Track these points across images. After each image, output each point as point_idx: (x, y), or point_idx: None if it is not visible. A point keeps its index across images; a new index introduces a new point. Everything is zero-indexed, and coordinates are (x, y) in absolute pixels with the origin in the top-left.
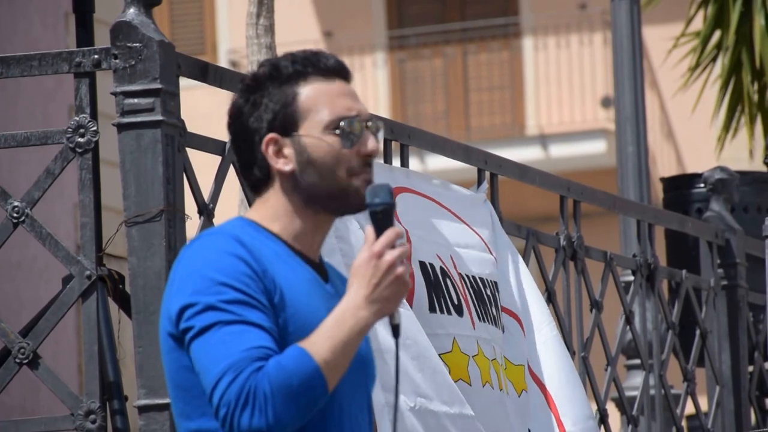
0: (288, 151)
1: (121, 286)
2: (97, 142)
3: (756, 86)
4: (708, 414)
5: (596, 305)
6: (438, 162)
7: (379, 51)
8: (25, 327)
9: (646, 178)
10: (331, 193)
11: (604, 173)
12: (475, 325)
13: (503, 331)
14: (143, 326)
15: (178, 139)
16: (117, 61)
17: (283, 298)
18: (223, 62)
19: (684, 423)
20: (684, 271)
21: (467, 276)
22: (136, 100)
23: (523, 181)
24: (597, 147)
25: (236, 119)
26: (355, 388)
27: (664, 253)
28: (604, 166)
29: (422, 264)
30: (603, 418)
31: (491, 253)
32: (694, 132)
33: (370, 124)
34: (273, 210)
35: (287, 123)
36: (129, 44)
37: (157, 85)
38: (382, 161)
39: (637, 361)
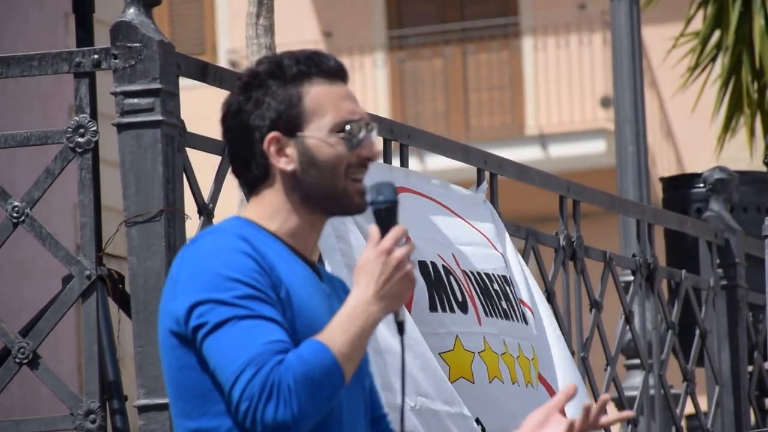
0: (291, 150)
1: (120, 286)
2: (97, 142)
3: (756, 86)
4: (707, 414)
5: (596, 305)
6: (438, 162)
7: (378, 51)
8: (25, 327)
9: (645, 178)
10: (330, 194)
11: (604, 173)
12: (482, 320)
13: (525, 322)
14: (143, 326)
15: (177, 139)
16: (117, 61)
17: (288, 295)
18: (223, 62)
19: (683, 423)
20: (683, 271)
21: (471, 273)
22: (135, 100)
23: (522, 181)
24: (596, 147)
25: (235, 116)
26: (351, 383)
27: (664, 253)
28: (604, 166)
29: (422, 264)
30: None
31: (496, 249)
32: (693, 132)
33: (370, 127)
34: (270, 208)
35: (291, 123)
36: (129, 44)
37: (156, 85)
38: (381, 161)
39: (637, 361)
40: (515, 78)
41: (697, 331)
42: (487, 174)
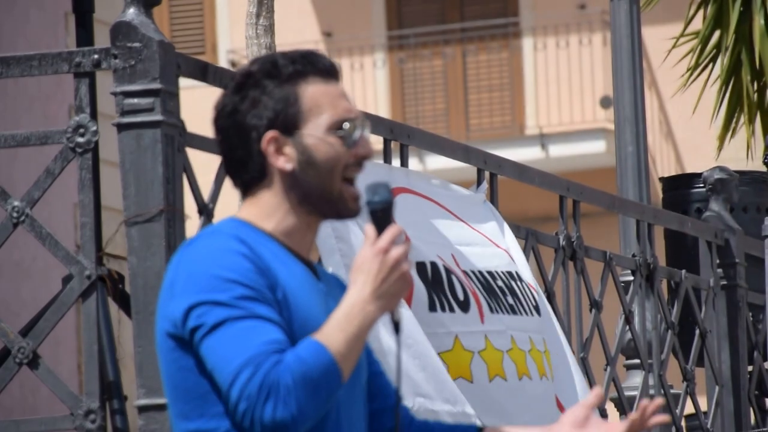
0: (289, 150)
1: (120, 286)
2: (97, 142)
3: (756, 86)
4: (707, 414)
5: (596, 305)
6: (437, 162)
7: (378, 51)
8: (25, 327)
9: (645, 178)
10: (326, 196)
11: (604, 173)
12: (485, 318)
13: (537, 313)
14: (143, 326)
15: (177, 139)
16: (117, 61)
17: (285, 296)
18: (223, 62)
19: (683, 423)
20: (683, 271)
21: (473, 272)
22: (135, 100)
23: (522, 181)
24: (596, 147)
25: (230, 116)
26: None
27: (664, 252)
28: (604, 165)
29: (420, 264)
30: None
31: (499, 246)
32: (693, 132)
33: (364, 125)
34: (267, 208)
35: (289, 122)
36: (129, 44)
37: (156, 85)
38: (382, 161)
39: (637, 361)
40: (515, 78)
41: (697, 331)
42: (487, 174)
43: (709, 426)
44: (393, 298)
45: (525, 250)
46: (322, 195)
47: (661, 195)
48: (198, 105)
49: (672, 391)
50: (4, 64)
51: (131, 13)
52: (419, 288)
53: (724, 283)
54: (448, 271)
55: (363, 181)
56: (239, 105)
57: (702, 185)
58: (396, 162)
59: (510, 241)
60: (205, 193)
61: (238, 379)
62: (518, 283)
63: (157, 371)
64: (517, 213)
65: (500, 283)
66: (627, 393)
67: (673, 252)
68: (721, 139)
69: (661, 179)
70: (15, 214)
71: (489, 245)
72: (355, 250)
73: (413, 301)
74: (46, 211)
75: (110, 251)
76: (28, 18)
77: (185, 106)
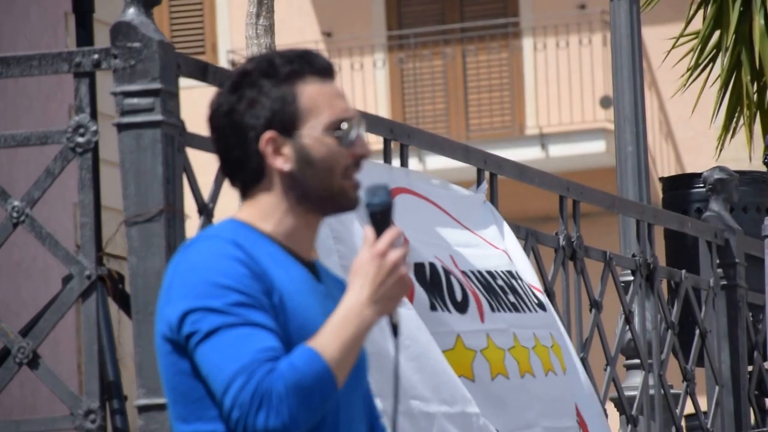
0: (287, 150)
1: (120, 286)
2: (97, 142)
3: (756, 86)
4: (707, 414)
5: (596, 305)
6: (437, 162)
7: (378, 51)
8: (25, 327)
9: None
10: (327, 193)
11: (604, 173)
12: (485, 318)
13: (541, 309)
14: (143, 326)
15: (178, 139)
16: (117, 61)
17: (282, 299)
18: (223, 62)
19: (683, 423)
20: (683, 271)
21: (472, 272)
22: (135, 100)
23: (522, 181)
24: (596, 147)
25: (226, 116)
26: (349, 384)
27: (664, 252)
28: (604, 165)
29: (418, 265)
30: None
31: (497, 248)
32: (693, 132)
33: (361, 125)
34: (265, 209)
35: (287, 122)
36: (129, 44)
37: (156, 85)
38: (382, 161)
39: (637, 361)
40: (515, 78)
41: (697, 331)
42: (487, 174)
43: (709, 426)
44: (391, 302)
45: (525, 250)
46: (321, 193)
47: (661, 195)
48: (198, 105)
49: (672, 391)
50: (4, 64)
51: (131, 13)
52: (420, 288)
53: (724, 283)
54: (447, 272)
55: (363, 181)
56: (236, 104)
57: (702, 185)
58: (396, 162)
59: (510, 242)
60: (205, 193)
61: (231, 388)
62: (519, 281)
63: (157, 371)
64: (517, 213)
65: (500, 282)
66: (627, 393)
67: (673, 252)
68: (721, 139)
69: (661, 179)
70: (15, 214)
71: (487, 247)
72: (354, 252)
73: (415, 301)
74: (46, 211)
75: (110, 251)
76: (28, 18)
77: (185, 106)
